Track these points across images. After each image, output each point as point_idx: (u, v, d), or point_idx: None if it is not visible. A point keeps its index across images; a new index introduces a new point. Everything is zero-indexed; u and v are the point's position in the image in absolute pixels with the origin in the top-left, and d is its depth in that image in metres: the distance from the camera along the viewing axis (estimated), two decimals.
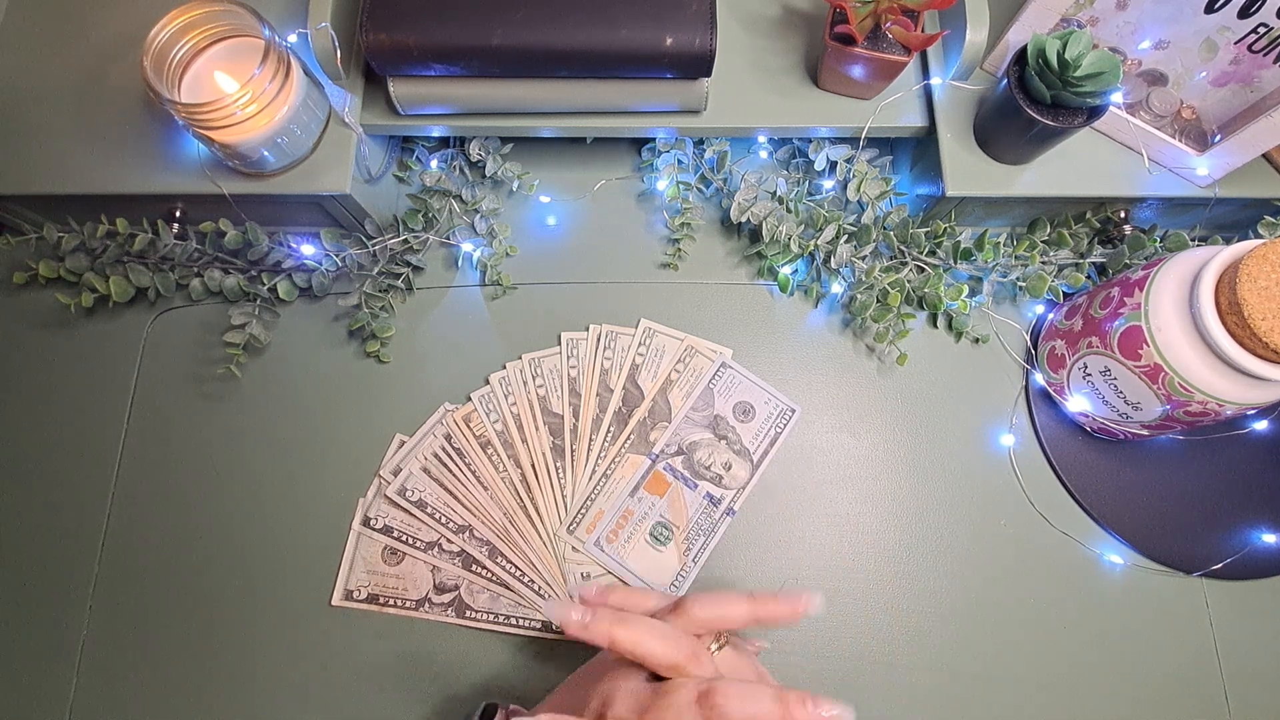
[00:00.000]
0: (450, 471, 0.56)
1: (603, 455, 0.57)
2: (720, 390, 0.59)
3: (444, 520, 0.55)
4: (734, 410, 0.58)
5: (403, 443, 0.58)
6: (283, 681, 0.53)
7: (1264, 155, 0.53)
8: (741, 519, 0.56)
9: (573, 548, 0.55)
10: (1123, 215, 0.57)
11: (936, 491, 0.57)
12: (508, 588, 0.54)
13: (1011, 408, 0.59)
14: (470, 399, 0.58)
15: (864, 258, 0.59)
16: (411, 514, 0.55)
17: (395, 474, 0.56)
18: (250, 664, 0.54)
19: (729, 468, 0.57)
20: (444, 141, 0.62)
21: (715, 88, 0.54)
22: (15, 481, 0.58)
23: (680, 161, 0.61)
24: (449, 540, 0.55)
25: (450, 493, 0.56)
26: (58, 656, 0.54)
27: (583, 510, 0.55)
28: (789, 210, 0.60)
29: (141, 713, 0.53)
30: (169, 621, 0.55)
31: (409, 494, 0.55)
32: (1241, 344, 0.44)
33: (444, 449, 0.57)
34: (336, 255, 0.57)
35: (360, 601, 0.54)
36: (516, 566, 0.54)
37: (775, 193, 0.60)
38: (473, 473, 0.56)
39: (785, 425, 0.58)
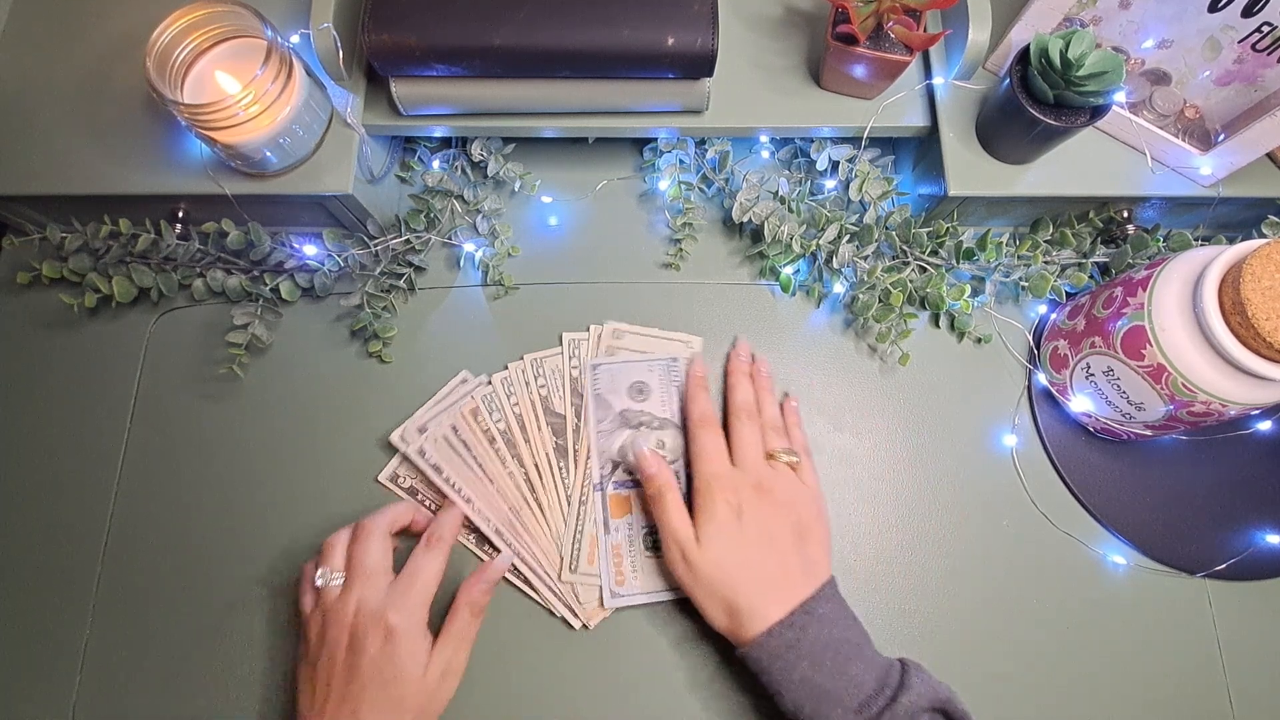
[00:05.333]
0: (459, 457, 0.56)
1: (570, 492, 0.56)
2: (605, 389, 0.58)
3: (457, 488, 0.55)
4: (630, 394, 0.57)
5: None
6: (286, 682, 0.53)
7: (1268, 154, 0.53)
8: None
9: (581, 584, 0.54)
10: (1126, 215, 0.57)
11: (939, 492, 0.57)
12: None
13: (1014, 408, 0.59)
14: (473, 398, 0.58)
15: (866, 258, 0.59)
16: (427, 477, 0.55)
17: (421, 431, 0.56)
18: (253, 664, 0.54)
19: (663, 445, 0.56)
20: (446, 142, 0.62)
21: (717, 88, 0.54)
22: (17, 481, 0.58)
23: (682, 161, 0.61)
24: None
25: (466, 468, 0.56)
26: (60, 658, 0.54)
27: (576, 545, 0.54)
28: (791, 210, 0.59)
29: (144, 714, 0.53)
30: (171, 622, 0.55)
31: (427, 456, 0.55)
32: (1245, 344, 0.44)
33: (451, 437, 0.57)
34: (339, 255, 0.57)
35: (401, 489, 0.56)
36: (520, 556, 0.54)
37: (777, 193, 0.60)
38: (480, 466, 0.56)
39: (680, 373, 0.58)
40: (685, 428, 0.55)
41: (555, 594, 0.54)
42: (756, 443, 0.52)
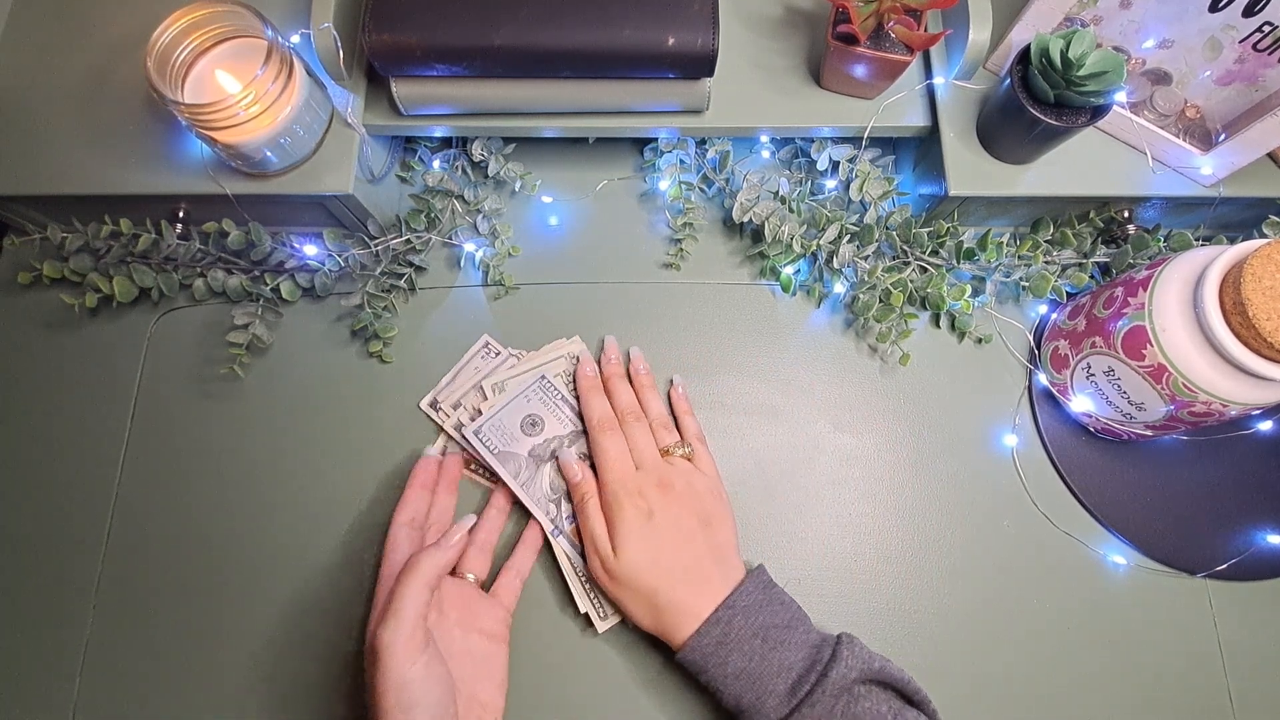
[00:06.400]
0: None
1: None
2: (500, 444, 0.54)
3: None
4: (526, 432, 0.55)
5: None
6: (287, 682, 0.53)
7: (1269, 154, 0.53)
8: (742, 519, 0.56)
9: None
10: (1126, 215, 0.57)
11: (939, 492, 0.57)
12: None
13: (1014, 408, 0.59)
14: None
15: (866, 258, 0.59)
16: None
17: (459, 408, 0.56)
18: (253, 664, 0.54)
19: (585, 456, 0.54)
20: (446, 142, 0.62)
21: (717, 88, 0.54)
22: (18, 481, 0.58)
23: (682, 161, 0.61)
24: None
25: None
26: (61, 658, 0.54)
27: (595, 599, 0.53)
28: (791, 210, 0.59)
29: (144, 714, 0.53)
30: (172, 622, 0.55)
31: (482, 435, 0.54)
32: (1246, 344, 0.44)
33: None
34: (339, 255, 0.57)
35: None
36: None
37: (778, 193, 0.60)
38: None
39: (556, 384, 0.56)
40: (586, 433, 0.54)
41: (584, 587, 0.53)
42: (650, 442, 0.53)
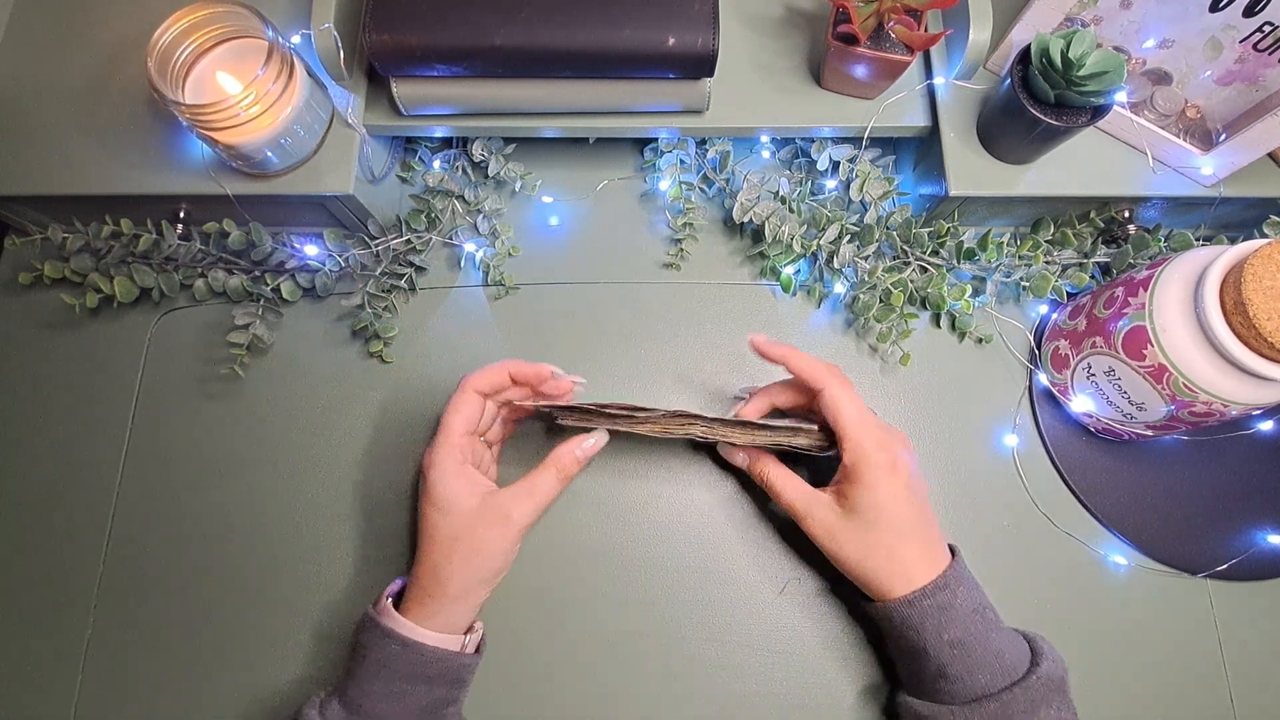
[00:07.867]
0: None
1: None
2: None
3: None
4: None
5: None
6: (288, 682, 0.53)
7: (1269, 154, 0.53)
8: (743, 519, 0.56)
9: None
10: (1127, 215, 0.57)
11: (940, 492, 0.57)
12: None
13: (1015, 408, 0.59)
14: None
15: (867, 258, 0.59)
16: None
17: None
18: (255, 664, 0.54)
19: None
20: (447, 142, 0.62)
21: (717, 88, 0.54)
22: (19, 481, 0.58)
23: (683, 161, 0.61)
24: None
25: None
26: (62, 657, 0.54)
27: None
28: (791, 210, 0.59)
29: (145, 713, 0.53)
30: (173, 621, 0.55)
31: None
32: (1246, 344, 0.44)
33: None
34: (340, 255, 0.57)
35: None
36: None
37: (778, 193, 0.60)
38: None
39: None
40: (815, 388, 0.49)
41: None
42: None
